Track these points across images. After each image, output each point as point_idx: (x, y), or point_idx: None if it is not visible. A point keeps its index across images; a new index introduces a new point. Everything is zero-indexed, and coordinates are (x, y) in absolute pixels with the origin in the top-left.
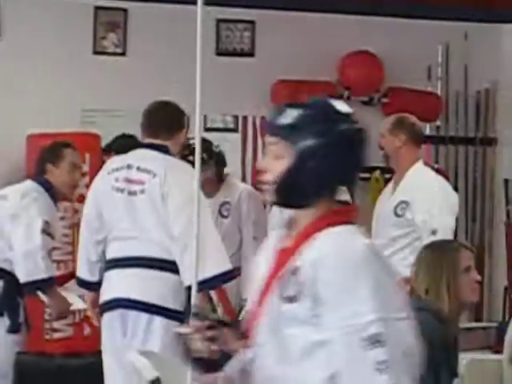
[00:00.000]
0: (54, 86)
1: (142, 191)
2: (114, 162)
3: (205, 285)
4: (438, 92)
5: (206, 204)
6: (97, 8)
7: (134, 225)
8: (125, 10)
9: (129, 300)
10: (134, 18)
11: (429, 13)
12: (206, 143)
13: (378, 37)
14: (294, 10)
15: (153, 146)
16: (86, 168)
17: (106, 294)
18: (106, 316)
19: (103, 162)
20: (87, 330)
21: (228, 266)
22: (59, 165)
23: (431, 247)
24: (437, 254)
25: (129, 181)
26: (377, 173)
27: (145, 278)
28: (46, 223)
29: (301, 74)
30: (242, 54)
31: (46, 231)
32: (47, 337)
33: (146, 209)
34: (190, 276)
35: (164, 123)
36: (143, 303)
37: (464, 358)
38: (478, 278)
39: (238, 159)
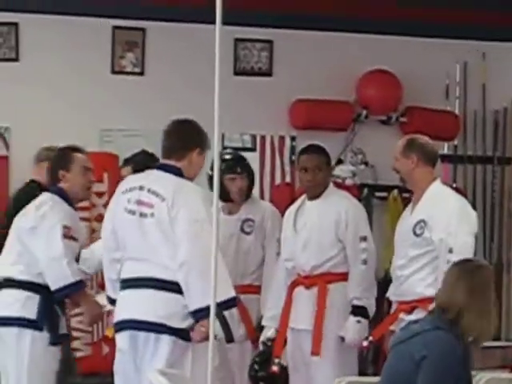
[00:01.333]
0: (72, 106)
1: (152, 215)
2: (129, 181)
3: (207, 312)
4: (456, 111)
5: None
6: (115, 27)
7: (145, 247)
8: (143, 30)
9: (137, 321)
10: (152, 38)
11: (447, 32)
12: (239, 156)
13: (396, 56)
14: (312, 29)
15: (165, 167)
16: (104, 187)
17: (117, 315)
18: (118, 337)
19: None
20: (105, 350)
21: (232, 294)
22: (71, 169)
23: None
24: (472, 277)
25: (140, 203)
26: (395, 192)
27: (154, 298)
28: (66, 228)
29: (319, 93)
30: (259, 74)
31: (68, 236)
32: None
33: (156, 232)
34: (196, 301)
35: (175, 144)
36: (151, 323)
37: (483, 377)
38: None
39: (255, 178)
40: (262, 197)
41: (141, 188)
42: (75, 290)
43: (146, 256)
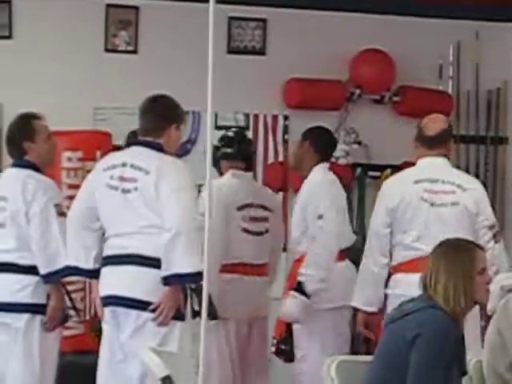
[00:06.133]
0: (65, 84)
1: (136, 189)
2: (110, 159)
3: (173, 280)
4: (449, 91)
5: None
6: (108, 6)
7: (128, 222)
8: (136, 8)
9: (118, 297)
10: (146, 16)
11: (440, 12)
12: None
13: (390, 35)
14: (306, 8)
15: (146, 143)
16: None
17: (101, 291)
18: (105, 311)
19: None
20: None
21: (200, 268)
22: (36, 139)
23: (447, 245)
24: (453, 254)
25: (123, 179)
26: (388, 171)
27: (136, 275)
28: (57, 205)
29: (312, 72)
30: (253, 52)
31: (60, 213)
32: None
33: (140, 206)
34: (175, 265)
35: (152, 122)
36: (132, 300)
37: (473, 358)
38: (491, 279)
39: None
40: (254, 176)
41: (123, 164)
42: (65, 274)
43: (128, 231)
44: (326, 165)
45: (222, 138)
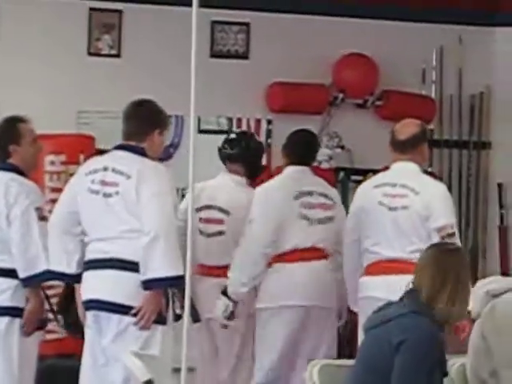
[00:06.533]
0: (49, 88)
1: (117, 193)
2: (92, 163)
3: (153, 284)
4: (432, 95)
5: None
6: (91, 9)
7: (109, 227)
8: (120, 12)
9: (100, 301)
10: (129, 20)
11: (423, 16)
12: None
13: (373, 40)
14: (289, 12)
15: (128, 147)
16: None
17: (83, 295)
18: (87, 315)
19: None
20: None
21: (181, 272)
22: (21, 142)
23: (440, 249)
24: (444, 259)
25: (104, 183)
26: (370, 175)
27: (117, 279)
28: (38, 209)
29: (295, 76)
30: (236, 56)
31: (41, 217)
32: (42, 337)
33: (121, 210)
34: (153, 269)
35: (135, 127)
36: (113, 304)
37: (457, 362)
38: None
39: None
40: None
41: (105, 169)
42: (44, 278)
43: (109, 236)
44: (289, 168)
45: (225, 140)
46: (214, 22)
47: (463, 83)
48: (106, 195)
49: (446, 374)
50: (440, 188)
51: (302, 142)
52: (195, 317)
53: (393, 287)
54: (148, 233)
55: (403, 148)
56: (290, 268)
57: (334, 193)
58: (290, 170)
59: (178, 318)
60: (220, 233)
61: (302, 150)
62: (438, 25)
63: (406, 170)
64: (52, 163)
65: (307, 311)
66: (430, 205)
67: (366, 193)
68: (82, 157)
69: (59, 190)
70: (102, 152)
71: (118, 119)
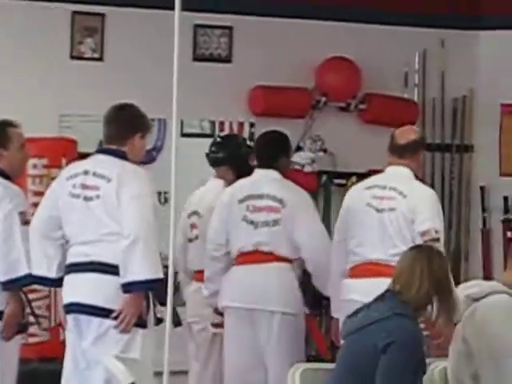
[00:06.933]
0: (31, 91)
1: (98, 196)
2: (74, 167)
3: (132, 287)
4: (415, 99)
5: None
6: (74, 13)
7: (90, 230)
8: (102, 15)
9: (80, 305)
10: (112, 23)
11: (406, 20)
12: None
13: (356, 43)
14: (272, 15)
15: (109, 151)
16: None
17: (64, 298)
18: (68, 318)
19: None
20: (63, 335)
21: (160, 275)
22: (9, 147)
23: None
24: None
25: (85, 187)
26: (353, 179)
27: (98, 282)
28: (21, 213)
29: (278, 79)
30: (219, 60)
31: (23, 221)
32: (23, 341)
33: (101, 214)
34: (133, 272)
35: (116, 130)
36: (94, 307)
37: (439, 365)
38: None
39: None
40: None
41: (85, 172)
42: (25, 282)
43: (91, 238)
44: (255, 171)
45: (212, 144)
46: (197, 26)
47: (446, 87)
48: (87, 199)
49: (424, 372)
50: (429, 192)
51: (262, 144)
52: (176, 321)
53: (371, 290)
54: (127, 236)
55: (402, 152)
56: (237, 271)
57: (292, 196)
58: (255, 172)
59: (159, 321)
60: (196, 237)
61: (260, 153)
62: (421, 28)
63: (398, 174)
64: (34, 166)
65: (250, 314)
66: (416, 208)
67: (355, 194)
68: (64, 160)
69: (41, 194)
70: (84, 156)
71: (101, 123)
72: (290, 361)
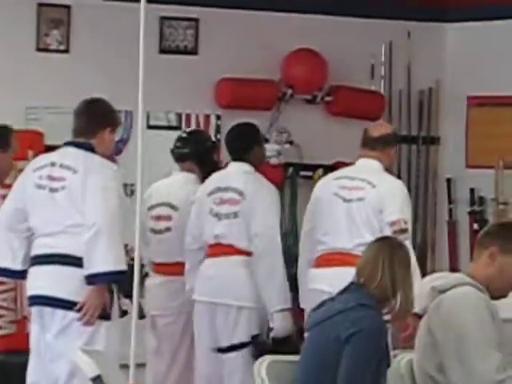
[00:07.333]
0: None
1: (63, 187)
2: (40, 159)
3: (96, 279)
4: (381, 91)
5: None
6: (40, 5)
7: (55, 222)
8: (68, 7)
9: (44, 297)
10: (78, 15)
11: (372, 11)
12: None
13: (322, 35)
14: (238, 7)
15: (77, 143)
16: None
17: (28, 291)
18: (32, 310)
19: None
20: (29, 328)
21: (124, 267)
22: (7, 150)
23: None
24: (392, 251)
25: (51, 178)
26: (320, 171)
27: (61, 274)
28: None
29: (244, 71)
30: (185, 52)
31: None
32: None
33: (66, 205)
34: (97, 264)
35: (85, 124)
36: (57, 299)
37: (405, 357)
38: None
39: None
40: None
41: (52, 164)
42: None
43: (54, 231)
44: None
45: (176, 140)
46: (163, 18)
47: (412, 79)
48: (53, 190)
49: (389, 365)
50: (398, 184)
51: (232, 138)
52: (140, 313)
53: (336, 279)
54: (91, 227)
55: (374, 145)
56: (204, 264)
57: (253, 189)
58: (229, 165)
59: (123, 313)
60: (167, 229)
61: (232, 146)
62: (387, 20)
63: (368, 167)
64: None
65: (212, 308)
66: (385, 198)
67: (324, 184)
68: (30, 153)
69: (8, 186)
70: (51, 148)
71: (67, 115)
72: (243, 355)
